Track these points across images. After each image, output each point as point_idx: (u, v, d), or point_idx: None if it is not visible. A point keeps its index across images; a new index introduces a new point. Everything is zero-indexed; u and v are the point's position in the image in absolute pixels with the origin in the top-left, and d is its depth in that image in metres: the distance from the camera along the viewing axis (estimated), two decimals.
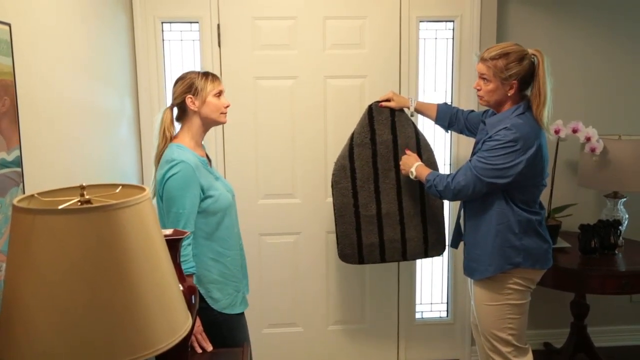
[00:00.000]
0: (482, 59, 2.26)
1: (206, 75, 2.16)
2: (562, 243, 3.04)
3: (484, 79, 2.27)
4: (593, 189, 3.16)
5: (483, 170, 2.22)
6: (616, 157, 2.93)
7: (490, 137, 2.24)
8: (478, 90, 2.31)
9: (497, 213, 2.29)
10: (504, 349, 2.37)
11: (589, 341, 3.09)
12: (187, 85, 2.13)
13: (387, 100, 2.70)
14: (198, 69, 2.88)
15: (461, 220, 2.53)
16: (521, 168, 2.18)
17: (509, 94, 2.24)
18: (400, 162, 2.61)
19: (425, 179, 2.41)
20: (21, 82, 1.50)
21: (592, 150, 2.95)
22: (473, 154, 2.39)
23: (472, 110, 2.68)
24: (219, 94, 2.16)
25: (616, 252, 2.95)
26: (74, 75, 2.01)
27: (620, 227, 2.98)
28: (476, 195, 2.27)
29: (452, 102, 3.20)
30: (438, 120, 2.70)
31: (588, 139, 2.97)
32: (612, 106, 3.32)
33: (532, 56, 2.23)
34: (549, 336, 3.39)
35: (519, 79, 2.21)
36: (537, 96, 2.20)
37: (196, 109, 2.13)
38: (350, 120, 3.12)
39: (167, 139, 2.13)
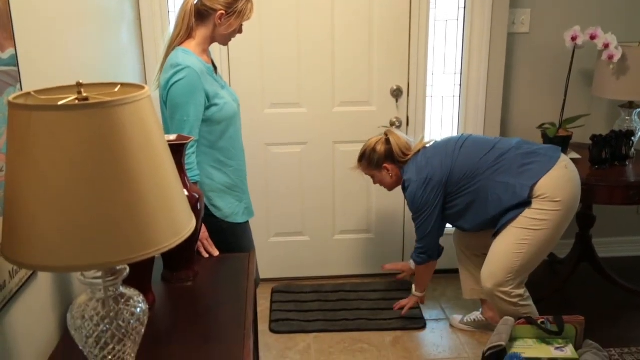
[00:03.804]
0: (358, 166, 2.71)
1: (250, 1, 2.07)
2: (572, 154, 3.00)
3: (370, 177, 2.72)
4: (608, 98, 3.08)
5: (415, 214, 2.52)
6: (635, 65, 2.83)
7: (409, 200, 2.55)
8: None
9: (481, 198, 2.42)
10: (505, 277, 2.38)
11: (592, 251, 3.12)
12: (228, 2, 2.02)
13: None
14: None
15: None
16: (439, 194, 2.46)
17: (391, 175, 2.62)
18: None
19: (416, 266, 2.72)
20: None
21: (610, 58, 2.85)
22: None
23: None
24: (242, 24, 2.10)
25: (627, 163, 2.91)
26: None
27: (632, 138, 2.93)
28: (435, 219, 2.50)
29: (463, 30, 3.08)
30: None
31: (606, 46, 2.86)
32: (633, 12, 3.16)
33: (385, 135, 2.61)
34: None
35: (385, 161, 2.60)
36: (401, 158, 2.57)
37: (218, 25, 2.04)
38: (358, 27, 3.01)
39: (182, 31, 2.05)
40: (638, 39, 3.03)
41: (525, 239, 2.33)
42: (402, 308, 2.92)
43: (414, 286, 2.88)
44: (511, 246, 2.36)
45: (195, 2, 2.04)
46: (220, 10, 2.02)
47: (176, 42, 2.06)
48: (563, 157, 2.40)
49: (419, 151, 2.56)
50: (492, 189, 2.38)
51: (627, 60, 2.84)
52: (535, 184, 2.31)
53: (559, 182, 2.33)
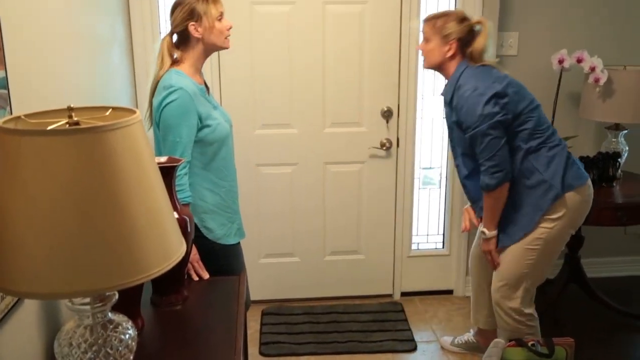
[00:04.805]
0: (425, 20, 2.38)
1: None
2: None
3: (426, 39, 2.36)
4: (595, 120, 3.12)
5: (479, 128, 2.22)
6: (620, 88, 2.88)
7: (456, 107, 2.29)
8: (421, 51, 2.42)
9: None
10: (515, 294, 2.36)
11: (581, 272, 3.13)
12: (188, 12, 2.01)
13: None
14: None
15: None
16: (507, 99, 2.23)
17: (447, 55, 2.31)
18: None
19: (486, 197, 2.36)
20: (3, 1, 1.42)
21: (596, 80, 2.89)
22: (449, 129, 2.44)
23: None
24: (221, 16, 2.07)
25: (614, 184, 2.94)
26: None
27: (619, 160, 2.96)
28: (503, 145, 2.24)
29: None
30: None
31: (592, 69, 2.90)
32: (618, 36, 3.22)
33: (477, 23, 2.32)
34: None
35: (457, 39, 2.29)
36: (474, 56, 2.30)
37: (200, 36, 2.04)
38: (349, 48, 3.03)
39: (165, 67, 2.04)
40: (623, 63, 3.08)
41: (531, 257, 2.33)
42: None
43: (484, 230, 2.41)
44: (522, 266, 2.35)
45: (168, 36, 2.07)
46: (190, 22, 2.02)
47: (159, 77, 2.05)
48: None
49: (492, 66, 2.33)
50: (531, 173, 2.29)
51: (613, 83, 2.88)
52: (562, 195, 2.28)
53: (578, 199, 2.31)
